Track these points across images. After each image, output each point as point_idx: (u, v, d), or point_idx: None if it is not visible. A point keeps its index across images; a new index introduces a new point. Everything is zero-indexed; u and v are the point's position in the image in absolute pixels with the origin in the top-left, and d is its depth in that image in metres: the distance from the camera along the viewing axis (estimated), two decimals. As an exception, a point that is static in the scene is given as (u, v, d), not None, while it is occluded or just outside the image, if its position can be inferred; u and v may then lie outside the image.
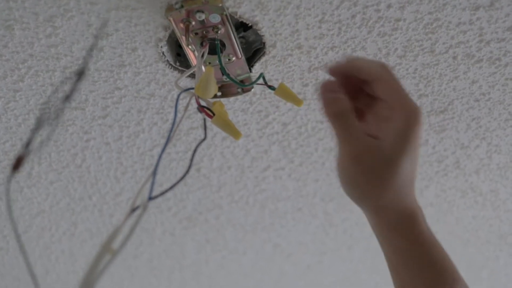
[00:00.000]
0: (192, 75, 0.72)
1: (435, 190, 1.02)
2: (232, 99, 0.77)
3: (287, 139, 0.87)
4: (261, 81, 0.65)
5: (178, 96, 0.57)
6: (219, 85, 0.73)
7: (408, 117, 0.48)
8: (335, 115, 0.50)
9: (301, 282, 1.34)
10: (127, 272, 1.24)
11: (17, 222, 1.04)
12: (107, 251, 0.38)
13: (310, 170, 0.95)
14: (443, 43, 0.70)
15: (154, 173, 0.46)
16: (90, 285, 0.35)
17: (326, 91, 0.51)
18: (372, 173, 0.48)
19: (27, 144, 0.38)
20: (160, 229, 1.10)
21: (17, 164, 0.37)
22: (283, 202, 1.04)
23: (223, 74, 0.66)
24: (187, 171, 0.52)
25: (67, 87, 0.39)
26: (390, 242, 0.53)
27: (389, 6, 0.64)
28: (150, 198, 0.44)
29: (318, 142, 0.88)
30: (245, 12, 0.64)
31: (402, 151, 0.48)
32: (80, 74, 0.43)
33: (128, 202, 1.00)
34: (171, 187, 0.49)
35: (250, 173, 0.95)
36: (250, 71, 0.71)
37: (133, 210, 0.43)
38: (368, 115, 0.53)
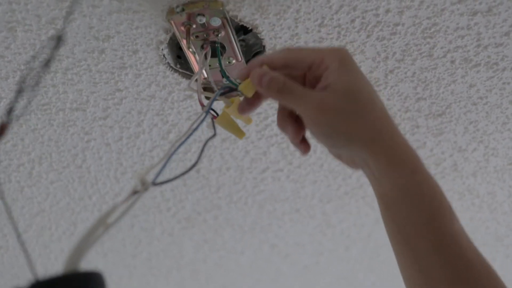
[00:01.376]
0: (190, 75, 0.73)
1: (433, 192, 1.02)
2: (231, 101, 0.78)
3: (286, 141, 0.88)
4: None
5: (206, 115, 0.57)
6: (219, 87, 0.74)
7: (335, 53, 0.51)
8: (279, 91, 0.51)
9: (298, 282, 1.35)
10: (126, 271, 1.25)
11: (17, 221, 1.05)
12: (102, 225, 0.38)
13: (308, 171, 0.96)
14: (441, 48, 0.70)
15: (168, 158, 0.47)
16: (80, 253, 0.35)
17: (258, 76, 0.52)
18: (341, 116, 0.49)
19: (9, 112, 0.38)
20: (159, 229, 1.10)
21: (0, 131, 0.37)
22: (281, 203, 1.05)
23: (223, 77, 0.66)
24: (196, 163, 0.53)
25: (46, 53, 0.40)
26: (388, 179, 0.50)
27: (388, 11, 0.65)
28: (154, 184, 0.45)
29: (317, 144, 0.89)
30: (245, 15, 0.65)
31: (353, 81, 0.50)
32: (59, 40, 0.43)
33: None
34: (178, 176, 0.49)
35: (249, 174, 0.96)
36: (250, 73, 0.72)
37: (135, 192, 0.44)
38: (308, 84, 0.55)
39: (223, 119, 0.60)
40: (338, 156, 0.55)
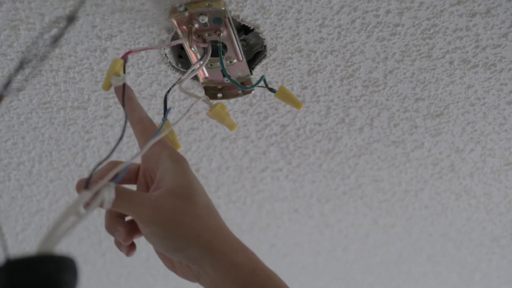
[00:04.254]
0: (194, 77, 0.74)
1: (430, 192, 1.03)
2: (232, 100, 0.79)
3: (285, 141, 0.88)
4: (262, 83, 0.67)
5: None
6: (220, 86, 0.75)
7: (173, 157, 0.51)
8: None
9: (297, 282, 1.36)
10: (124, 270, 1.25)
11: (16, 220, 1.05)
12: (74, 213, 0.37)
13: (307, 171, 0.97)
14: (440, 49, 0.71)
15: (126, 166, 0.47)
16: (55, 238, 0.34)
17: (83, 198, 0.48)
18: (176, 213, 0.47)
19: (7, 84, 0.37)
20: (157, 228, 1.11)
21: None
22: (280, 202, 1.06)
23: (224, 76, 0.67)
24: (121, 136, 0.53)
25: (55, 31, 0.39)
26: (232, 280, 0.46)
27: (388, 12, 0.65)
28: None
29: (316, 144, 0.89)
30: (247, 15, 0.65)
31: (186, 183, 0.49)
32: (71, 19, 0.43)
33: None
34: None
35: (248, 174, 0.97)
36: (251, 73, 0.73)
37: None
38: (140, 176, 0.55)
39: (215, 112, 0.62)
40: (174, 265, 0.52)
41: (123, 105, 0.50)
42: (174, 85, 0.61)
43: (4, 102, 0.38)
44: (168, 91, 0.60)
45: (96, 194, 0.41)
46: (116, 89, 0.51)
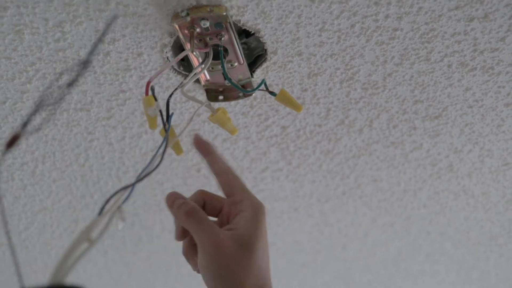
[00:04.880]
0: (196, 79, 0.74)
1: (428, 192, 1.04)
2: (233, 102, 0.80)
3: (286, 142, 0.89)
4: (262, 87, 0.68)
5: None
6: (221, 89, 0.76)
7: (255, 206, 0.55)
8: (187, 214, 0.53)
9: (296, 280, 1.37)
10: (125, 268, 1.27)
11: (20, 219, 1.06)
12: (85, 240, 0.38)
13: (307, 171, 0.98)
14: (439, 52, 0.72)
15: (133, 186, 0.49)
16: (66, 267, 0.35)
17: (172, 199, 0.56)
18: (232, 259, 0.51)
19: (25, 124, 0.39)
20: (159, 227, 1.12)
21: (12, 142, 0.37)
22: (280, 202, 1.07)
23: (225, 79, 0.68)
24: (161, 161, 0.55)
25: (71, 74, 0.41)
26: None
27: (387, 17, 0.66)
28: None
29: (316, 145, 0.90)
30: (248, 20, 0.66)
31: (254, 235, 0.53)
32: (85, 64, 0.45)
33: (133, 205, 1.02)
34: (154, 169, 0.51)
35: (249, 174, 0.98)
36: (252, 76, 0.74)
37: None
38: (221, 216, 0.58)
39: (216, 117, 0.63)
40: None
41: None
42: (176, 89, 0.62)
43: (18, 143, 0.39)
44: (171, 95, 0.61)
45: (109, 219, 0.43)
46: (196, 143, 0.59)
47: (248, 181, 1.00)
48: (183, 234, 0.57)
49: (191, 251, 0.57)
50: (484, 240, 1.21)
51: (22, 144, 0.86)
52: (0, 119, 0.80)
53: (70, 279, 0.35)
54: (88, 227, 0.39)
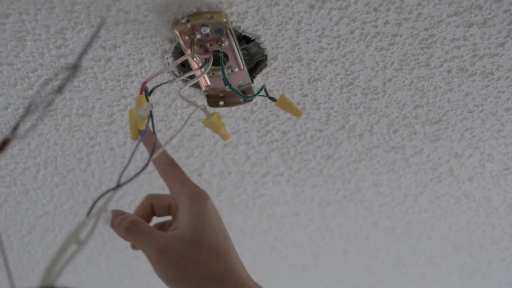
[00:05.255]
0: (196, 85, 0.75)
1: (429, 196, 1.04)
2: (233, 108, 0.80)
3: (286, 147, 0.90)
4: (263, 92, 0.68)
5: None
6: (222, 94, 0.76)
7: (192, 197, 0.52)
8: (126, 230, 0.52)
9: (297, 284, 1.37)
10: (127, 271, 1.27)
11: (22, 223, 1.06)
12: (74, 242, 0.38)
13: (308, 176, 0.98)
14: (438, 58, 0.72)
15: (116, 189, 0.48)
16: (56, 270, 0.35)
17: (112, 218, 0.53)
18: (181, 260, 0.49)
19: (14, 128, 0.39)
20: (160, 231, 1.12)
21: (2, 146, 0.38)
22: (281, 206, 1.07)
23: (226, 85, 0.68)
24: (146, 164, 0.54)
25: (60, 79, 0.41)
26: None
27: (386, 23, 0.67)
28: (119, 185, 0.47)
29: (316, 150, 0.91)
30: (248, 26, 0.66)
31: (199, 227, 0.51)
32: (75, 68, 0.45)
33: (130, 205, 1.03)
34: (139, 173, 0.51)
35: (250, 179, 0.98)
36: (252, 81, 0.74)
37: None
38: (173, 212, 0.57)
39: (210, 122, 0.63)
40: None
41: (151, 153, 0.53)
42: (166, 83, 0.62)
43: (8, 147, 0.39)
44: (157, 86, 0.60)
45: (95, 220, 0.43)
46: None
47: (249, 185, 1.00)
48: (135, 246, 0.55)
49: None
50: (486, 244, 1.21)
51: (25, 149, 0.86)
52: (3, 124, 0.81)
53: (71, 283, 0.35)
54: (77, 229, 0.39)
